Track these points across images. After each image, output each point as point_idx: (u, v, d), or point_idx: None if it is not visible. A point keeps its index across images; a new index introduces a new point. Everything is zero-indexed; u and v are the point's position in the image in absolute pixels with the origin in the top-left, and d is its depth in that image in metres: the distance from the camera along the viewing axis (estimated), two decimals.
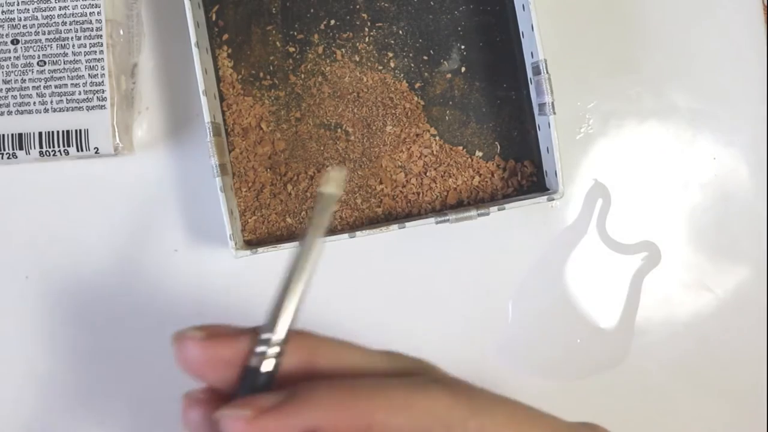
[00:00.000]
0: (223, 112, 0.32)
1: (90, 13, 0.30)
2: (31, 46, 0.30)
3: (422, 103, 0.32)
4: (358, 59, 0.32)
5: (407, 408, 0.21)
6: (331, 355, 0.21)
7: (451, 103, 0.32)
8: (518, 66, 0.32)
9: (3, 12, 0.30)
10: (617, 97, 0.33)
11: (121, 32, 0.31)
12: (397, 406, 0.21)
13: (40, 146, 0.30)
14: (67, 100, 0.30)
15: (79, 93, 0.30)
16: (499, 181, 0.32)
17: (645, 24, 0.33)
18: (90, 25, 0.30)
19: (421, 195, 0.32)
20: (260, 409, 0.19)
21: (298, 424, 0.19)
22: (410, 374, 0.22)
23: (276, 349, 0.20)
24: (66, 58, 0.30)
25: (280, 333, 0.20)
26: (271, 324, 0.20)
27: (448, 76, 0.32)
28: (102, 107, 0.30)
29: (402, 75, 0.32)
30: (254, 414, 0.19)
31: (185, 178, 0.32)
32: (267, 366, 0.20)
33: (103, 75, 0.30)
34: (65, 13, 0.30)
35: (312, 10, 0.32)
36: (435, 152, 0.32)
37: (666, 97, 0.33)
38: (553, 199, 0.29)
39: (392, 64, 0.32)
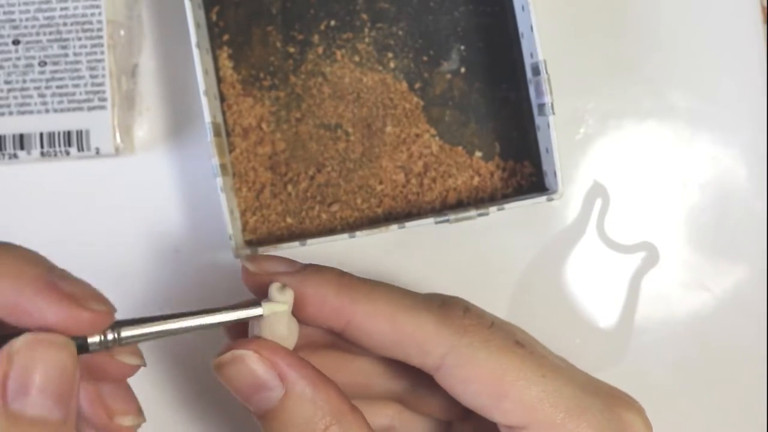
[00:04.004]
0: (224, 113, 0.32)
1: (91, 14, 0.30)
2: (32, 47, 0.30)
3: (422, 103, 0.32)
4: (358, 60, 0.32)
5: (389, 321, 0.22)
6: (367, 299, 0.22)
7: (450, 103, 0.32)
8: (518, 67, 0.32)
9: (4, 13, 0.30)
10: (616, 98, 0.33)
11: (122, 33, 0.31)
12: (380, 316, 0.22)
13: (41, 146, 0.30)
14: (68, 100, 0.30)
15: (80, 93, 0.30)
16: (498, 181, 0.32)
17: (644, 24, 0.33)
18: (91, 26, 0.30)
19: (421, 195, 0.32)
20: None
21: (299, 288, 0.22)
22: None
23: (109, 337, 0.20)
24: (67, 59, 0.30)
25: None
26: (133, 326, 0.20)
27: (448, 76, 0.32)
28: (103, 108, 0.30)
29: (402, 75, 0.32)
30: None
31: (186, 179, 0.32)
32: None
33: (103, 75, 0.30)
34: (66, 14, 0.30)
35: (312, 11, 0.32)
36: (435, 152, 0.32)
37: (665, 97, 0.33)
38: (553, 199, 0.29)
39: (392, 65, 0.32)
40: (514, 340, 0.22)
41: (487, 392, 0.21)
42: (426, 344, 0.22)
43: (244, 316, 0.22)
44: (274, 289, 0.22)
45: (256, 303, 0.22)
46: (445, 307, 0.23)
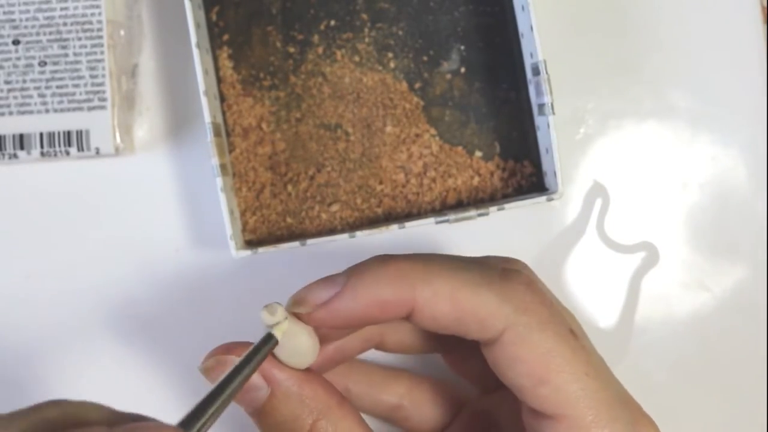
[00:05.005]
0: (224, 113, 0.32)
1: (91, 13, 0.30)
2: (32, 47, 0.30)
3: (422, 103, 0.32)
4: (358, 60, 0.32)
5: (450, 301, 0.22)
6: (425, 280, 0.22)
7: (450, 103, 0.32)
8: (518, 67, 0.32)
9: (4, 13, 0.30)
10: (616, 98, 0.33)
11: (122, 33, 0.31)
12: (440, 297, 0.22)
13: (41, 146, 0.30)
14: (68, 100, 0.30)
15: (80, 93, 0.30)
16: (498, 181, 0.32)
17: (644, 24, 0.33)
18: (91, 26, 0.30)
19: (420, 195, 0.32)
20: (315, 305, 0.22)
21: (354, 306, 0.22)
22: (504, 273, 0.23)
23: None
24: (67, 59, 0.30)
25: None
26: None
27: (448, 76, 0.32)
28: (103, 108, 0.30)
29: (402, 75, 0.32)
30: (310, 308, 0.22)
31: (186, 178, 0.32)
32: None
33: (103, 75, 0.30)
34: (66, 14, 0.30)
35: (312, 11, 0.32)
36: (435, 152, 0.32)
37: (665, 97, 0.33)
38: (553, 199, 0.29)
39: (392, 65, 0.32)
40: (569, 328, 0.22)
41: (530, 374, 0.21)
42: (487, 321, 0.21)
43: (267, 351, 0.21)
44: (265, 315, 0.22)
45: (269, 336, 0.22)
46: (506, 279, 0.22)
